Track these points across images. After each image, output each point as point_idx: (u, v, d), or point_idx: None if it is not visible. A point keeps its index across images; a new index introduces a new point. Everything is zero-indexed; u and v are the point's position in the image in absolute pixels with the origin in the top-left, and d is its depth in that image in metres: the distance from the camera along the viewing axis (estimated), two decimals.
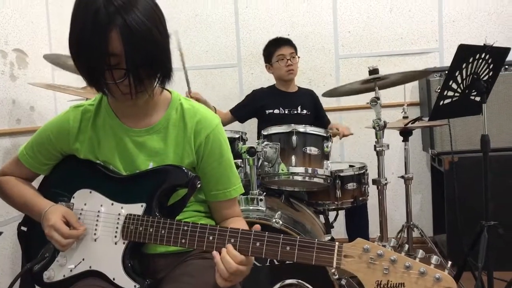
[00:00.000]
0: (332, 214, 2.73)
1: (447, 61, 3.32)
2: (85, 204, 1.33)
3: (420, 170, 3.46)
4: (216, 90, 3.10)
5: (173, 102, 1.36)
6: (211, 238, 1.13)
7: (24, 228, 1.44)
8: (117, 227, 1.26)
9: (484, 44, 2.21)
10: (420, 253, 0.95)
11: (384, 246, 0.97)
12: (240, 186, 1.39)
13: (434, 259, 0.94)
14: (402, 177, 2.61)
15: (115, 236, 1.26)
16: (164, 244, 1.19)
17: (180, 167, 1.27)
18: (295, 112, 2.94)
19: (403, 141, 2.59)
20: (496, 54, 2.29)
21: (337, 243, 1.00)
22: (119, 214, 1.27)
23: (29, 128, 2.71)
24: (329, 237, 2.12)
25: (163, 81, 1.24)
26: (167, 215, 1.25)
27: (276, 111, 2.96)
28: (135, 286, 1.21)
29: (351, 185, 2.39)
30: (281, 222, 1.75)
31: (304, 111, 2.94)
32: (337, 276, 1.76)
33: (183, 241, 1.16)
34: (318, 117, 3.04)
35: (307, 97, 3.03)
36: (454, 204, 2.97)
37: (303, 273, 1.78)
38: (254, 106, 3.05)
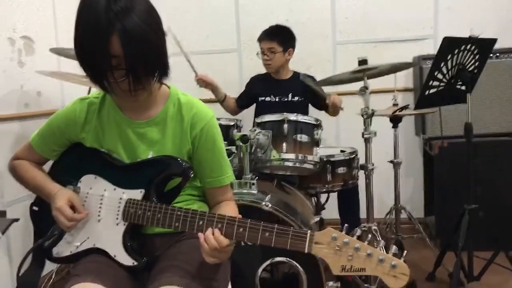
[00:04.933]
0: (324, 196, 2.88)
1: None
2: (90, 188, 1.47)
3: (413, 154, 3.58)
4: (216, 75, 3.21)
5: (171, 97, 1.48)
6: (200, 222, 1.27)
7: (35, 208, 1.58)
8: (118, 210, 1.40)
9: (470, 36, 2.30)
10: (382, 243, 1.08)
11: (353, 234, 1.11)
12: (231, 174, 1.52)
13: (394, 248, 1.08)
14: (392, 161, 2.74)
15: (117, 218, 1.40)
16: (160, 226, 1.33)
17: (176, 158, 1.41)
18: (286, 99, 3.04)
19: (392, 127, 2.70)
20: (483, 45, 2.39)
21: (309, 231, 1.14)
22: (120, 198, 1.41)
23: (36, 112, 2.84)
24: (318, 219, 2.27)
25: (161, 78, 1.37)
26: (164, 200, 1.39)
27: (268, 99, 3.07)
28: (133, 263, 1.36)
29: (341, 169, 2.52)
30: (270, 205, 1.89)
31: (296, 98, 3.04)
32: None
33: (177, 224, 1.30)
34: (317, 100, 3.10)
35: (300, 84, 3.09)
36: (443, 188, 3.10)
37: (291, 251, 1.92)
38: (250, 93, 3.18)
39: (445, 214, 3.08)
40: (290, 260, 1.93)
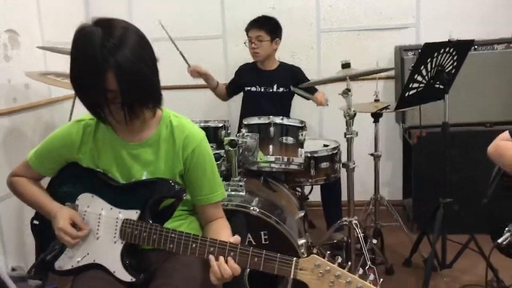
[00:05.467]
0: (308, 187, 3.01)
1: (423, 37, 3.51)
2: (88, 207, 1.55)
3: (393, 139, 3.72)
4: (201, 61, 3.25)
5: (163, 119, 1.56)
6: (193, 245, 1.37)
7: (36, 222, 1.66)
8: (116, 229, 1.50)
9: (449, 40, 2.39)
10: (361, 271, 1.20)
11: (335, 261, 1.22)
12: (222, 192, 1.62)
13: (371, 276, 1.20)
14: (372, 154, 2.86)
15: (114, 237, 1.49)
16: (155, 246, 1.43)
17: (169, 181, 1.49)
18: (271, 90, 3.12)
19: (373, 122, 2.81)
20: (461, 47, 2.48)
21: (294, 258, 1.25)
22: (117, 218, 1.50)
23: (25, 106, 2.88)
24: (302, 214, 2.40)
25: (154, 106, 1.44)
26: (158, 219, 1.49)
27: (253, 88, 3.15)
28: (131, 279, 1.47)
29: (324, 164, 2.64)
30: (257, 210, 2.01)
31: (281, 89, 3.13)
32: (305, 256, 2.03)
33: (171, 246, 1.40)
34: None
35: (286, 74, 3.18)
36: (421, 176, 3.25)
37: (277, 252, 2.04)
38: (238, 82, 3.26)
39: (422, 201, 3.24)
40: None
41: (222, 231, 1.55)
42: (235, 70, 3.37)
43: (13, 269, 1.11)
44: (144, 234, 1.45)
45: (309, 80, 3.11)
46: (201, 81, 3.28)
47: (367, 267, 2.43)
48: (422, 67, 2.37)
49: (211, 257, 1.33)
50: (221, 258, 1.32)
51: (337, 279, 1.19)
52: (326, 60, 3.63)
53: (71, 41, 1.37)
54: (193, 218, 1.67)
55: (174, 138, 1.54)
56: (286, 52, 3.55)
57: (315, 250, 2.66)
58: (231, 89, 3.31)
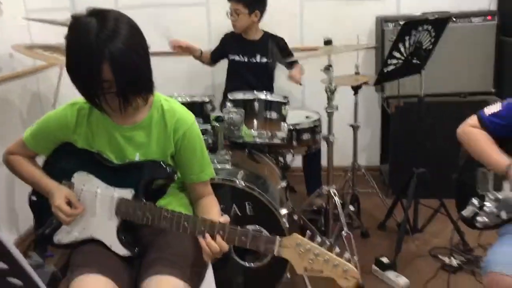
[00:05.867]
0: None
1: (403, 7, 3.57)
2: (84, 185, 1.65)
3: (372, 107, 3.84)
4: (184, 28, 3.28)
5: (155, 103, 1.64)
6: (186, 224, 1.48)
7: (34, 198, 1.75)
8: (111, 207, 1.60)
9: (427, 18, 2.48)
10: (337, 249, 1.33)
11: (313, 238, 1.36)
12: (211, 171, 1.73)
13: (347, 254, 1.33)
14: (352, 125, 2.98)
15: (110, 213, 1.60)
16: (149, 224, 1.54)
17: (162, 164, 1.59)
18: (254, 61, 3.19)
19: (354, 94, 2.92)
20: (438, 24, 2.57)
21: (278, 237, 1.38)
22: (112, 196, 1.60)
23: (10, 75, 2.90)
24: (285, 184, 2.54)
25: (147, 94, 1.52)
26: (151, 197, 1.60)
27: (237, 58, 3.22)
28: (127, 253, 1.58)
29: (306, 136, 2.75)
30: (243, 183, 2.13)
31: (264, 60, 3.20)
32: (287, 225, 2.19)
33: (164, 223, 1.51)
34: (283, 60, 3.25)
35: (269, 45, 3.24)
36: (397, 144, 3.40)
37: (261, 221, 2.19)
38: (222, 50, 3.31)
39: (398, 168, 3.40)
40: (260, 227, 2.19)
41: (212, 209, 1.67)
42: (218, 38, 3.41)
43: (29, 256, 1.20)
44: (139, 212, 1.55)
45: (291, 52, 3.18)
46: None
47: (344, 233, 2.58)
48: (401, 44, 2.46)
49: (200, 237, 1.45)
50: (209, 236, 1.43)
51: (316, 257, 1.33)
52: (309, 29, 3.69)
53: (67, 29, 1.43)
54: (183, 194, 1.78)
55: (165, 121, 1.62)
56: (270, 20, 3.56)
57: (295, 217, 2.82)
58: (216, 56, 3.36)
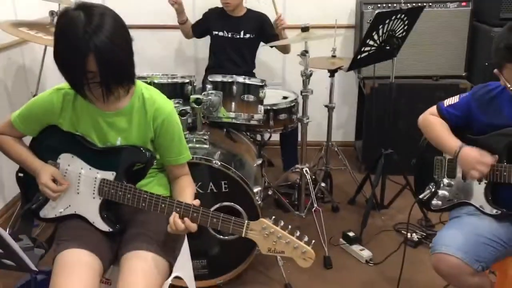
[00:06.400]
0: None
1: None
2: (68, 165, 1.77)
3: (350, 86, 3.98)
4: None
5: (136, 92, 1.75)
6: (163, 205, 1.63)
7: (21, 174, 1.87)
8: (94, 187, 1.73)
9: (400, 8, 2.58)
10: (298, 233, 1.49)
11: (278, 224, 1.51)
12: (188, 155, 1.86)
13: (306, 238, 1.49)
14: (327, 106, 3.12)
15: (93, 193, 1.73)
16: (129, 204, 1.68)
17: (142, 149, 1.72)
18: (238, 36, 3.30)
19: (329, 76, 3.04)
20: (411, 13, 2.68)
21: (246, 221, 1.53)
22: (95, 177, 1.73)
23: None
24: (260, 161, 2.68)
25: (128, 84, 1.63)
26: (132, 180, 1.73)
27: (221, 33, 3.31)
28: (109, 229, 1.73)
29: (282, 116, 2.89)
30: (219, 163, 2.27)
31: (247, 35, 3.30)
32: (260, 202, 2.35)
33: (143, 204, 1.65)
34: (267, 37, 3.33)
35: (253, 21, 3.33)
36: (370, 123, 3.55)
37: (235, 198, 2.34)
38: (205, 25, 3.40)
39: (370, 146, 3.56)
40: (235, 204, 2.35)
41: (186, 189, 1.81)
42: (202, 11, 3.48)
43: (19, 239, 1.31)
44: (120, 193, 1.69)
45: (273, 29, 3.27)
46: (171, 22, 3.42)
47: (313, 209, 2.77)
48: (374, 33, 2.57)
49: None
50: (177, 215, 1.59)
51: (278, 240, 1.49)
52: (291, 8, 3.76)
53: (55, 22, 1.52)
54: (162, 174, 1.92)
55: (145, 109, 1.74)
56: None
57: (270, 192, 2.99)
58: (198, 30, 3.44)
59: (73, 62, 1.49)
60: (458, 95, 1.96)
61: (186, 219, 1.59)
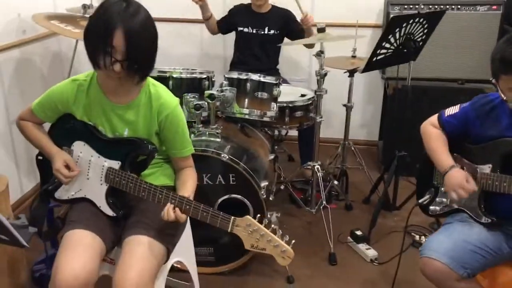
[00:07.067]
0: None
1: None
2: (81, 152, 1.92)
3: (376, 85, 3.97)
4: None
5: (144, 88, 1.87)
6: (160, 196, 1.75)
7: (40, 157, 2.04)
8: (102, 174, 1.87)
9: (418, 12, 2.58)
10: (280, 232, 1.58)
11: (262, 220, 1.60)
12: (191, 148, 1.97)
13: (287, 238, 1.57)
14: (345, 105, 3.16)
15: (101, 179, 1.88)
16: (131, 192, 1.81)
17: (144, 142, 1.84)
18: (262, 32, 3.38)
19: (349, 76, 3.07)
20: (431, 18, 2.67)
21: (232, 217, 1.63)
22: (103, 165, 1.87)
23: (33, 37, 3.15)
24: (272, 157, 2.77)
25: (142, 77, 1.76)
26: (136, 169, 1.87)
27: (246, 29, 3.40)
28: (113, 214, 1.87)
29: (299, 113, 2.94)
30: (227, 157, 2.37)
31: (272, 31, 3.38)
32: (264, 196, 2.44)
33: (143, 194, 1.78)
34: (293, 33, 3.41)
35: (278, 18, 3.41)
36: (391, 124, 3.56)
37: (242, 191, 2.44)
38: (231, 21, 3.50)
39: (391, 146, 3.56)
40: (242, 197, 2.45)
41: (187, 181, 1.93)
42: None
43: (18, 218, 1.46)
44: (123, 181, 1.82)
45: (299, 23, 3.32)
46: (196, 16, 3.53)
47: (322, 206, 2.83)
48: (390, 36, 2.58)
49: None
50: (171, 207, 1.71)
51: (261, 237, 1.58)
52: (321, 5, 3.79)
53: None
54: (168, 165, 2.04)
55: (151, 104, 1.86)
56: None
57: (282, 186, 3.08)
58: (223, 26, 3.55)
59: (102, 32, 1.62)
60: (459, 105, 1.98)
61: (177, 210, 1.70)
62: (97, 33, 1.65)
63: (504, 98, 1.73)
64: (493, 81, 1.76)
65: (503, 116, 1.82)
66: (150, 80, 1.91)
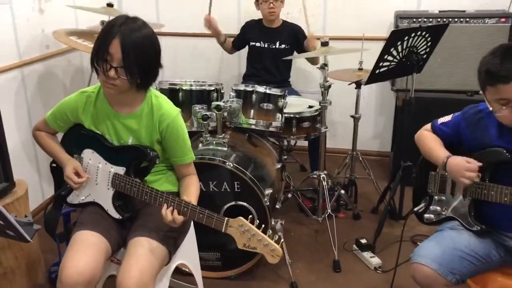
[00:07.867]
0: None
1: (424, 3, 3.70)
2: (90, 160, 2.06)
3: (388, 96, 4.02)
4: (215, 10, 3.58)
5: (147, 98, 2.00)
6: (160, 199, 1.86)
7: (54, 165, 2.19)
8: (108, 179, 2.00)
9: (420, 26, 2.65)
10: (270, 232, 1.67)
11: (253, 220, 1.69)
12: (191, 156, 2.08)
13: (276, 237, 1.66)
14: (352, 116, 3.23)
15: (108, 184, 2.00)
16: (135, 196, 1.93)
17: (146, 149, 1.96)
18: (274, 46, 3.51)
19: (355, 88, 3.15)
20: (433, 31, 2.73)
21: (226, 218, 1.72)
22: (109, 171, 2.00)
23: (56, 52, 3.35)
24: (279, 166, 2.86)
25: (138, 88, 1.88)
26: (139, 175, 1.99)
27: (258, 44, 3.53)
28: (119, 217, 1.99)
29: (306, 124, 3.03)
30: (232, 165, 2.48)
31: (283, 46, 3.50)
32: (268, 203, 2.52)
33: (145, 197, 1.90)
34: (301, 47, 3.55)
35: (288, 32, 3.54)
36: (401, 135, 3.59)
37: (247, 198, 2.54)
38: (243, 37, 3.64)
39: (400, 158, 3.59)
40: (248, 205, 2.55)
41: (190, 187, 2.04)
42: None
43: (25, 216, 1.59)
44: (128, 186, 1.95)
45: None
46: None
47: (327, 214, 2.90)
48: (392, 49, 2.65)
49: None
50: (169, 209, 1.82)
51: (252, 237, 1.67)
52: (332, 18, 3.89)
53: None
54: (171, 172, 2.16)
55: (153, 114, 1.99)
56: (295, 8, 3.81)
57: (290, 195, 3.16)
58: (237, 43, 3.70)
59: (102, 40, 1.79)
60: (452, 114, 2.03)
61: (175, 212, 1.81)
62: (99, 41, 1.81)
63: (491, 109, 1.78)
64: (481, 93, 1.81)
65: (490, 126, 1.87)
66: (153, 91, 2.03)
